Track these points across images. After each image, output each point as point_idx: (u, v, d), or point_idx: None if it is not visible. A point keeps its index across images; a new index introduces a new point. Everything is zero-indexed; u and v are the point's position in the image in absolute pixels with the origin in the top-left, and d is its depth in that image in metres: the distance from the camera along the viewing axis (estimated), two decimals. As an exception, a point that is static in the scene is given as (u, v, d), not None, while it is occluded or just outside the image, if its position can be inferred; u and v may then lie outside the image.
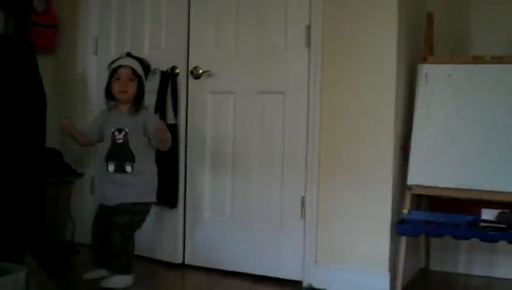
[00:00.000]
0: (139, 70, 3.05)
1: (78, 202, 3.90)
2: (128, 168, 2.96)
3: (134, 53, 3.15)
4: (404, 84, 3.07)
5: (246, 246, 3.24)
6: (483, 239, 2.82)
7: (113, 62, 3.06)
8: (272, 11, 3.17)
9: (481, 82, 2.96)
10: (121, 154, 2.98)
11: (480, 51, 3.20)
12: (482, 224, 2.80)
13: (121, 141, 2.98)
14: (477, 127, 2.93)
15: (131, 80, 2.99)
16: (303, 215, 3.09)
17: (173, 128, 3.24)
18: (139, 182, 2.99)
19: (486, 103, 2.94)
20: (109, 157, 2.99)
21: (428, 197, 3.23)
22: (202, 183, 3.38)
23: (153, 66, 3.29)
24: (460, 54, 3.31)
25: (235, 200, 3.29)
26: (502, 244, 2.95)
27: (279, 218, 3.16)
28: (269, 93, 3.19)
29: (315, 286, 3.02)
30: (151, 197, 3.07)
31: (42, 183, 3.45)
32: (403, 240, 2.90)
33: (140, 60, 3.10)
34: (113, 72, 3.01)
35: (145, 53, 3.45)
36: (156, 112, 3.34)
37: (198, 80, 3.34)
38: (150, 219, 3.15)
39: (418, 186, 2.94)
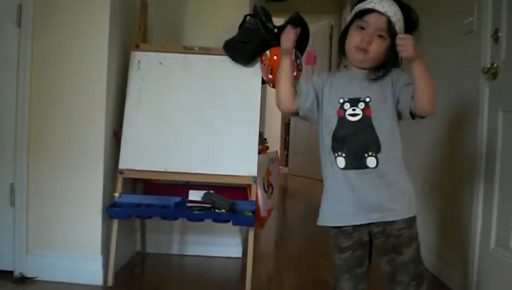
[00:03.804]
0: (399, 24, 1.89)
1: None
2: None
3: None
4: (117, 71, 3.10)
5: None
6: (189, 218, 2.97)
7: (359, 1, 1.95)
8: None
9: (190, 70, 3.12)
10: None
11: (191, 42, 3.37)
12: (189, 204, 2.98)
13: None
14: (187, 113, 3.09)
15: (380, 36, 1.89)
16: (12, 203, 2.97)
17: None
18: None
19: (196, 90, 3.11)
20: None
21: (144, 181, 3.31)
22: None
23: None
24: (174, 43, 3.46)
25: None
26: (213, 225, 3.11)
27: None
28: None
29: (27, 275, 2.94)
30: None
31: None
32: (115, 223, 2.95)
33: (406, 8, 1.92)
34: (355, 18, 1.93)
35: None
36: None
37: None
38: None
39: (129, 170, 3.01)
